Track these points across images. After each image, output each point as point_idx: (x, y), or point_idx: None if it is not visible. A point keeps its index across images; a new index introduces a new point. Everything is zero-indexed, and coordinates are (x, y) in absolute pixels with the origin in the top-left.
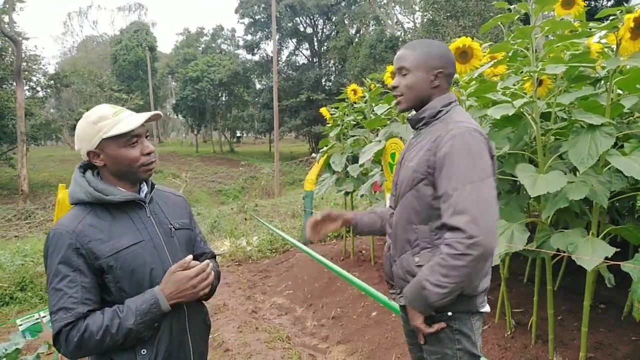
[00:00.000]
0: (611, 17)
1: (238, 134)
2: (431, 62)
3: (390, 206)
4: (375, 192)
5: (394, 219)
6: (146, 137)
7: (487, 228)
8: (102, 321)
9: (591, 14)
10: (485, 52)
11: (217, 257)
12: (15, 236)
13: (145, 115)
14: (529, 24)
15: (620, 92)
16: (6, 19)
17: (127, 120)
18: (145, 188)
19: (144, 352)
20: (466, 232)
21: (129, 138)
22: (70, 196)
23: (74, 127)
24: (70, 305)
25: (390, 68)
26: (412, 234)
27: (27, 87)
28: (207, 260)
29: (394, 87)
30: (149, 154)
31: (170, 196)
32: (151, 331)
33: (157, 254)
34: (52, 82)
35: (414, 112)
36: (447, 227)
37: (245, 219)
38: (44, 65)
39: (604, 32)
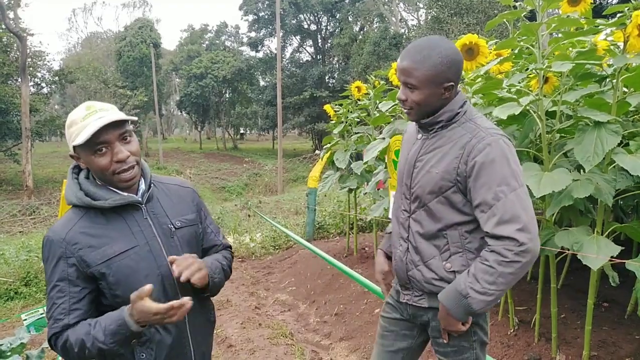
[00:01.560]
0: (619, 14)
1: (241, 131)
2: (441, 75)
3: (404, 210)
4: (378, 189)
5: (412, 224)
6: (124, 139)
7: (536, 234)
8: (79, 335)
9: (598, 11)
10: (490, 49)
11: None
12: (20, 231)
13: (111, 115)
14: (535, 21)
15: (626, 90)
16: (11, 15)
17: (90, 125)
18: (142, 187)
19: (142, 355)
20: (517, 240)
21: (92, 146)
22: (66, 198)
23: None
24: (58, 315)
25: (394, 65)
26: (441, 240)
27: (31, 83)
28: (185, 299)
29: (403, 101)
30: (120, 161)
31: (175, 189)
32: (129, 347)
33: (154, 259)
34: (56, 78)
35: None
36: (493, 236)
37: (249, 216)
38: (48, 62)
39: (611, 29)
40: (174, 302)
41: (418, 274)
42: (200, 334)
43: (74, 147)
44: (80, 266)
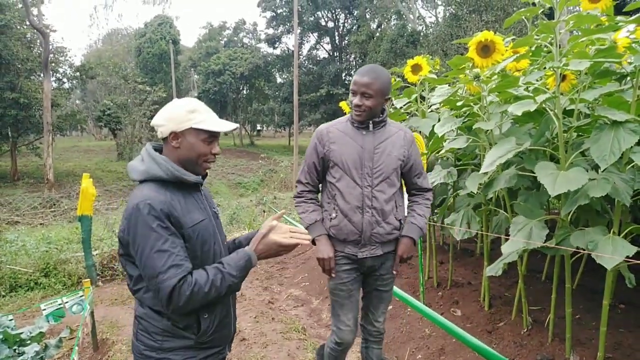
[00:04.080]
0: None
1: (258, 127)
2: (385, 90)
3: (367, 186)
4: None
5: (376, 194)
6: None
7: None
8: (207, 276)
9: (619, 9)
10: (507, 46)
11: None
12: (41, 224)
13: (232, 126)
14: (554, 19)
15: None
16: (35, 11)
17: (213, 121)
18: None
19: (205, 316)
20: (431, 188)
21: (209, 136)
22: (145, 172)
23: (98, 118)
24: (179, 262)
25: (410, 62)
26: (393, 200)
27: (53, 79)
28: (304, 236)
29: (359, 106)
30: (216, 153)
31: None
32: (219, 316)
33: (216, 231)
34: (77, 73)
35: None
36: (426, 189)
37: (264, 211)
38: (70, 57)
39: (632, 26)
40: (298, 234)
41: (381, 229)
42: (234, 305)
43: (190, 128)
44: (177, 227)
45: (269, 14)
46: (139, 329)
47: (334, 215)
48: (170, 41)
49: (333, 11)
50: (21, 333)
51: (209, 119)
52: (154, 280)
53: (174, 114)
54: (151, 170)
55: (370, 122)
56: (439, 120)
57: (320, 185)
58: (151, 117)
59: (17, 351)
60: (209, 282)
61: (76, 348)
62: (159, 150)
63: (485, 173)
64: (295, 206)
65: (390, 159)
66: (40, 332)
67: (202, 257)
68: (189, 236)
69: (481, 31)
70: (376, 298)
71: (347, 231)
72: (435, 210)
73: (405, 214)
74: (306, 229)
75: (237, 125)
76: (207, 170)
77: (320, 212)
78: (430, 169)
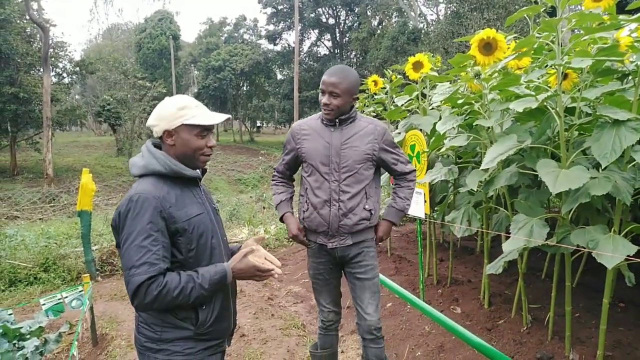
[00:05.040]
0: None
1: (258, 124)
2: (353, 90)
3: (334, 180)
4: (392, 183)
5: (343, 188)
6: (211, 132)
7: None
8: (179, 281)
9: (622, 8)
10: (509, 44)
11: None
12: (40, 219)
13: (223, 117)
14: (556, 17)
15: None
16: (35, 5)
17: (204, 115)
18: (198, 171)
19: (203, 307)
20: (412, 170)
21: (202, 130)
22: (144, 167)
23: (98, 114)
24: (154, 260)
25: (412, 59)
26: (362, 194)
27: (53, 74)
28: (277, 266)
29: (327, 105)
30: (211, 146)
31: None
32: (218, 309)
33: (214, 225)
34: (77, 68)
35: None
36: (408, 172)
37: (264, 208)
38: (70, 52)
39: (634, 25)
40: (275, 265)
41: (349, 220)
42: (234, 299)
43: (182, 125)
44: (169, 221)
45: (269, 10)
46: (140, 322)
47: (305, 207)
48: (171, 37)
49: (334, 8)
50: (21, 327)
51: (199, 114)
52: (127, 272)
53: (164, 113)
54: (150, 165)
55: (337, 119)
56: (440, 118)
57: (291, 175)
58: (151, 113)
59: (16, 345)
60: (178, 288)
61: (75, 343)
62: (158, 147)
63: (486, 170)
64: (270, 188)
65: (357, 153)
66: (40, 327)
67: (198, 250)
68: (183, 229)
69: (482, 29)
70: (359, 287)
71: (316, 223)
72: (436, 208)
73: (379, 203)
74: (275, 207)
75: (229, 115)
76: (206, 167)
77: (288, 194)
78: (431, 166)
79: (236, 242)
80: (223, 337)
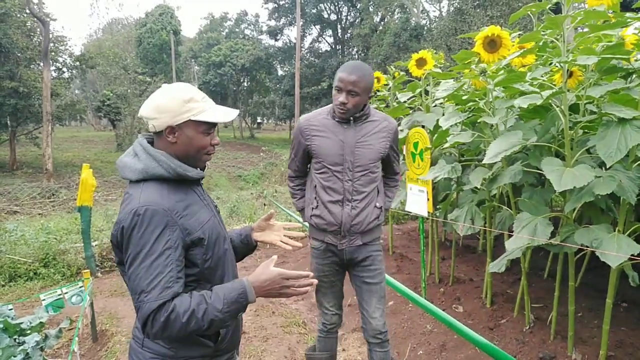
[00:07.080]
0: None
1: (259, 120)
2: (371, 87)
3: (347, 180)
4: None
5: (358, 187)
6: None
7: None
8: (189, 304)
9: (627, 5)
10: (513, 42)
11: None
12: (39, 214)
13: (234, 113)
14: (560, 14)
15: None
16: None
17: (213, 110)
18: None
19: (223, 331)
20: (400, 171)
21: (209, 127)
22: (143, 172)
23: (98, 109)
24: (167, 284)
25: (415, 56)
26: (375, 191)
27: (53, 68)
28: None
29: (344, 104)
30: (215, 144)
31: None
32: (234, 321)
33: (222, 227)
34: (77, 63)
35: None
36: (395, 172)
37: (264, 205)
38: (70, 47)
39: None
40: (304, 273)
41: (361, 220)
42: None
43: (188, 120)
44: (183, 234)
45: (271, 5)
46: (147, 336)
47: (315, 204)
48: (171, 31)
49: (336, 3)
50: (21, 323)
51: (208, 108)
52: (136, 297)
53: (169, 105)
54: (150, 169)
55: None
56: (443, 114)
57: (306, 168)
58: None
59: (17, 341)
60: (188, 312)
61: (76, 338)
62: (150, 142)
63: (490, 168)
64: (289, 189)
65: (372, 152)
66: (41, 322)
67: (214, 258)
68: (199, 239)
69: (486, 26)
70: (366, 291)
71: (327, 221)
72: (438, 206)
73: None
74: (299, 211)
75: (238, 111)
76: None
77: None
78: (434, 164)
79: None
80: (236, 347)
